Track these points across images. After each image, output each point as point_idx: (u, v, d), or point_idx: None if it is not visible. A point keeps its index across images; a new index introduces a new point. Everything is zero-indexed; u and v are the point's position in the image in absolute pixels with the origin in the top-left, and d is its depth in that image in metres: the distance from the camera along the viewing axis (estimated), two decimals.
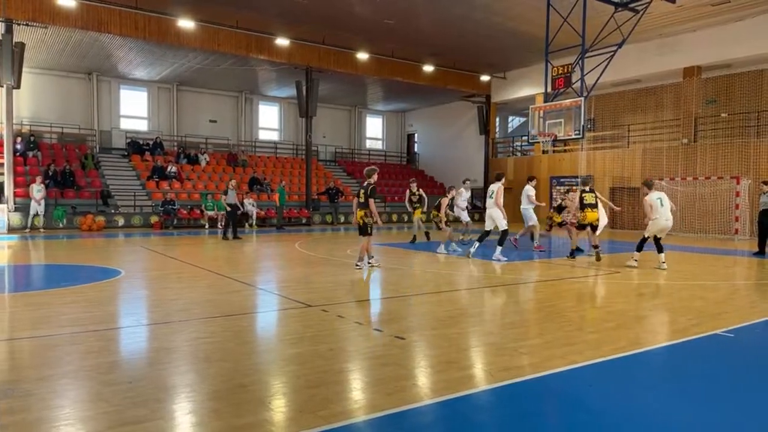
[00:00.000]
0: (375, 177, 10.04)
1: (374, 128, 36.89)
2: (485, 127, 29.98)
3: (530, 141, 20.57)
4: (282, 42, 22.32)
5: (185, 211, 22.22)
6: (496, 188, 11.33)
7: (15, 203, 19.20)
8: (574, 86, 17.33)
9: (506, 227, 11.29)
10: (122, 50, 22.32)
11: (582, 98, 16.66)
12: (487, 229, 11.59)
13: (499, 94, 29.40)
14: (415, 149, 37.36)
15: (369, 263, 10.04)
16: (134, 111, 27.84)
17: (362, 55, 24.29)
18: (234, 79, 27.00)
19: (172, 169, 24.59)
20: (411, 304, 6.90)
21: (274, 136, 32.23)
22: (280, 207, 22.41)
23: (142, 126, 27.97)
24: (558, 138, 17.71)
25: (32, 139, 23.45)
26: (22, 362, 4.41)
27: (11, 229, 18.54)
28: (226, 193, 16.50)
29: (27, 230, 18.85)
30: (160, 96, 28.17)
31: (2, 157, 19.45)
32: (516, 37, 22.11)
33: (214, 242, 15.83)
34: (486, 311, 6.59)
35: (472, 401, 3.63)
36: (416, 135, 37.34)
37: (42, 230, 19.00)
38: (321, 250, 13.64)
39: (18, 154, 21.61)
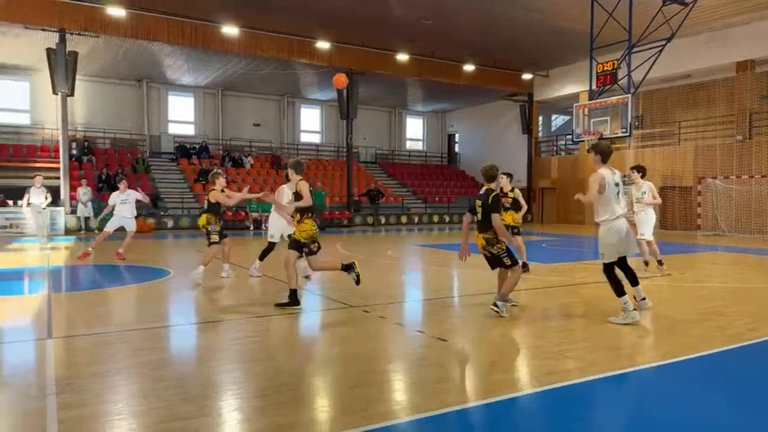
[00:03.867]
0: (220, 182, 9.26)
1: (415, 129, 36.85)
2: (528, 126, 29.51)
3: (574, 140, 20.15)
4: (323, 45, 22.57)
5: (230, 213, 22.74)
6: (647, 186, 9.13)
7: (71, 206, 20.10)
8: (620, 83, 16.86)
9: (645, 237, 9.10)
10: (170, 57, 23.05)
11: (629, 95, 16.21)
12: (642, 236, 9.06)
13: (542, 93, 28.88)
14: (456, 150, 37.12)
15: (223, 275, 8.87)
16: (182, 116, 28.70)
17: (402, 57, 24.29)
18: (276, 83, 27.47)
19: (217, 171, 25.17)
20: (451, 305, 6.86)
21: (315, 139, 32.62)
22: (318, 209, 22.66)
23: (189, 130, 28.79)
24: (604, 136, 17.28)
25: (86, 144, 24.47)
26: (77, 359, 4.60)
27: (68, 231, 19.41)
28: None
29: (82, 231, 19.67)
30: (206, 101, 28.95)
31: (58, 162, 20.38)
32: (558, 33, 21.67)
33: (258, 243, 16.11)
34: (529, 314, 6.47)
35: (515, 405, 3.57)
36: (457, 135, 37.07)
37: (96, 231, 19.80)
38: (362, 251, 13.70)
39: (73, 159, 22.59)
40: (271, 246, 9.18)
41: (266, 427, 3.17)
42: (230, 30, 20.41)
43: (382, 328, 5.58)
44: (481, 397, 3.65)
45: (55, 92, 19.26)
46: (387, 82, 27.05)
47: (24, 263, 11.35)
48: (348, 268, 6.62)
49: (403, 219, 26.84)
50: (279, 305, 6.34)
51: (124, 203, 11.80)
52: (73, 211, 20.13)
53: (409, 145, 36.40)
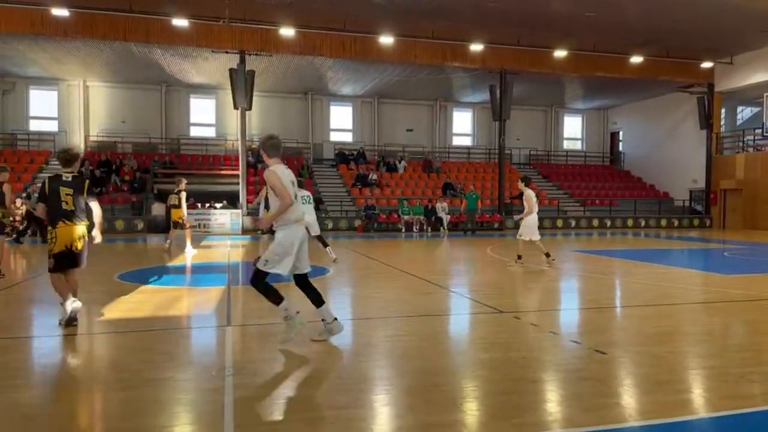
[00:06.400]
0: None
1: (573, 128, 35.00)
2: (707, 121, 26.37)
3: (765, 134, 17.57)
4: (476, 47, 22.48)
5: (384, 215, 23.63)
6: None
7: (247, 209, 22.44)
8: None
9: None
10: (332, 70, 24.72)
11: None
12: None
13: (725, 82, 25.65)
14: (620, 148, 34.50)
15: None
16: (341, 124, 30.59)
17: (559, 53, 23.23)
18: (429, 88, 27.96)
19: (372, 176, 26.38)
20: (617, 316, 6.39)
21: (467, 142, 32.57)
22: (469, 212, 22.53)
23: (347, 138, 30.55)
24: None
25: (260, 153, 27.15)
26: (250, 345, 5.13)
27: (245, 231, 21.70)
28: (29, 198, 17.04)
29: (258, 231, 21.85)
30: (363, 109, 30.48)
31: (238, 169, 22.88)
32: (745, 14, 19.07)
33: (410, 245, 16.52)
34: (706, 330, 5.78)
35: (686, 429, 3.22)
36: (621, 133, 34.47)
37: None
38: (513, 255, 13.34)
39: (249, 166, 25.20)
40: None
41: (415, 423, 3.24)
42: (386, 39, 21.26)
43: (534, 336, 5.39)
44: (647, 417, 3.35)
45: (235, 107, 21.69)
46: (542, 80, 26.10)
47: (210, 258, 12.89)
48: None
49: (559, 223, 25.60)
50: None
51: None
52: (249, 213, 22.43)
53: (567, 145, 34.66)
